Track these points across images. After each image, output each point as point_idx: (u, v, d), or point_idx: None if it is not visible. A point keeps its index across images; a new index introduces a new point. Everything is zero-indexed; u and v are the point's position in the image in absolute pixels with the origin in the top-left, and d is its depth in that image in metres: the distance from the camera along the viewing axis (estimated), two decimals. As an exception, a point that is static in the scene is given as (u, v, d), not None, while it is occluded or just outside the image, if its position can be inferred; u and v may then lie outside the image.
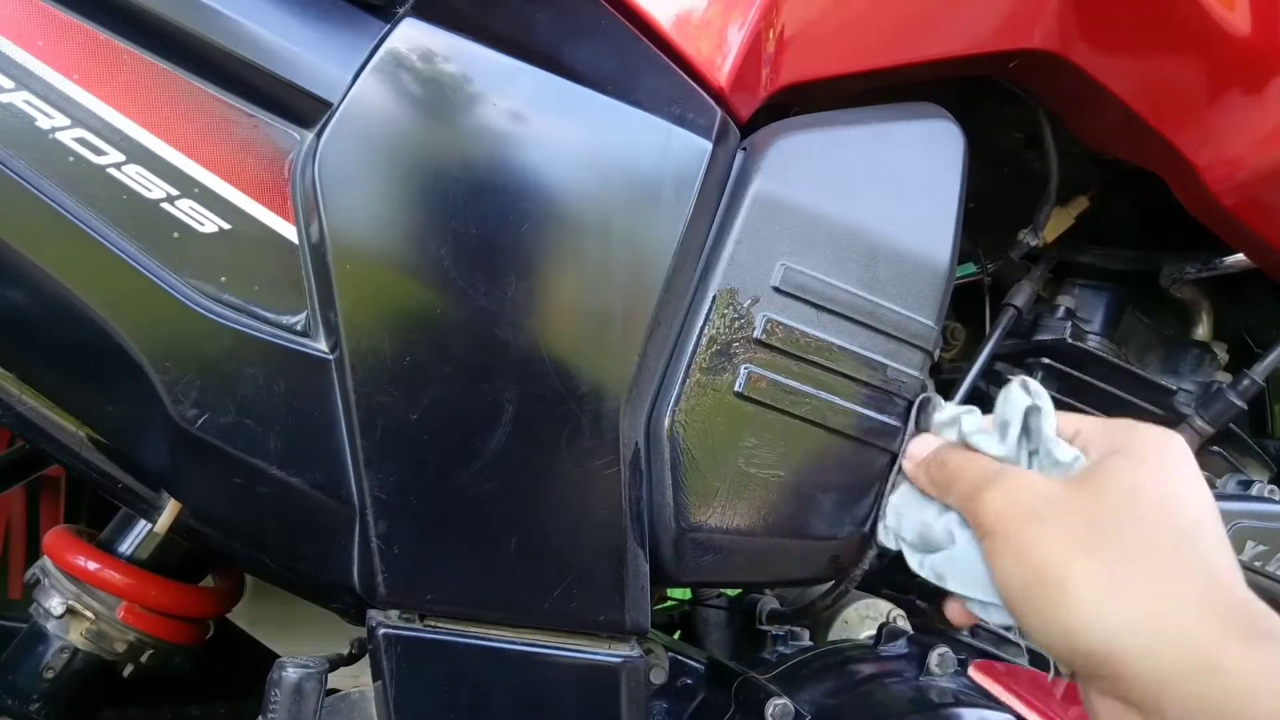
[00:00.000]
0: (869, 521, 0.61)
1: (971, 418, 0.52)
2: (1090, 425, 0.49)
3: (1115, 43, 0.64)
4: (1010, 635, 0.80)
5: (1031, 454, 0.49)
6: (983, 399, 0.80)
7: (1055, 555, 0.42)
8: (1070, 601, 0.41)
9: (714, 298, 0.53)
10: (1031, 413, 0.49)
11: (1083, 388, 0.80)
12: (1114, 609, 0.40)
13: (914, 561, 0.53)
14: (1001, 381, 0.80)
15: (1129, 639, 0.39)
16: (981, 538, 0.47)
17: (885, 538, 0.56)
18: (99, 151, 0.46)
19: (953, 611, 0.52)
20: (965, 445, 0.51)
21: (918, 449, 0.55)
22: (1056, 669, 0.46)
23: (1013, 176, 0.80)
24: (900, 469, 0.56)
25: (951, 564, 0.50)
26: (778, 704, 0.61)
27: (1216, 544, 0.42)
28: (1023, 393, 0.49)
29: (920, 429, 0.56)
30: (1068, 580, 0.41)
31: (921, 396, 0.56)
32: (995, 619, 0.48)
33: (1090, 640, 0.40)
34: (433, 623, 0.51)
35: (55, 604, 0.67)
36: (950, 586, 0.50)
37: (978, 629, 0.82)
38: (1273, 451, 0.93)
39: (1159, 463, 0.44)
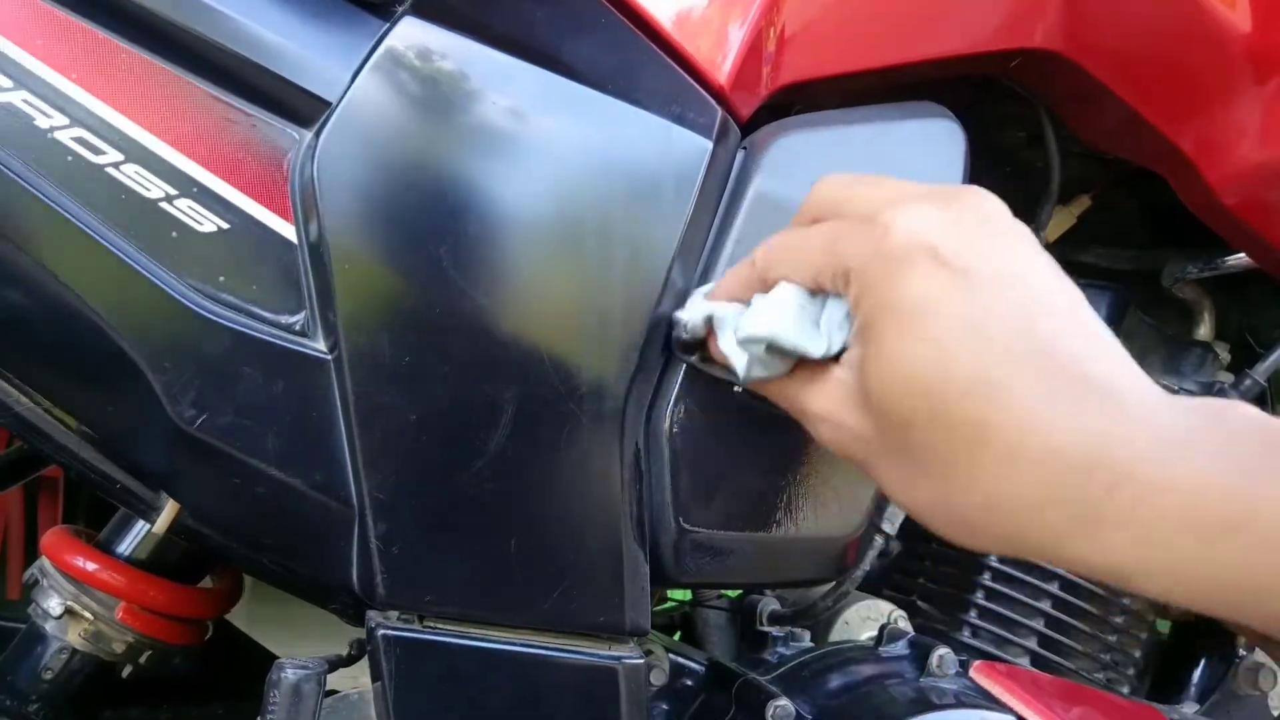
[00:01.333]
0: (869, 522, 0.61)
1: (733, 352, 0.45)
2: (825, 264, 0.41)
3: (1117, 42, 0.64)
4: (1008, 630, 0.80)
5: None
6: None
7: (903, 498, 0.39)
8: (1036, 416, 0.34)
9: (714, 297, 0.53)
10: (776, 341, 0.42)
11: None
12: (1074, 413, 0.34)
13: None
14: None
15: (1001, 367, 0.35)
16: (876, 319, 0.38)
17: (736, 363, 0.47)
18: (97, 151, 0.46)
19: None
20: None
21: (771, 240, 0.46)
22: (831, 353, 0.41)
23: (1014, 176, 0.80)
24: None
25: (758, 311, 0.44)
26: (778, 705, 0.60)
27: (1049, 368, 0.35)
28: (755, 315, 0.43)
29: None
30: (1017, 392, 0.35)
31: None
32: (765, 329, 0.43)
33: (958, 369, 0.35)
34: (432, 624, 0.51)
35: (53, 604, 0.67)
36: (747, 330, 0.44)
37: (979, 629, 0.82)
38: (1274, 452, 0.92)
39: (913, 311, 0.37)
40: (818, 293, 0.42)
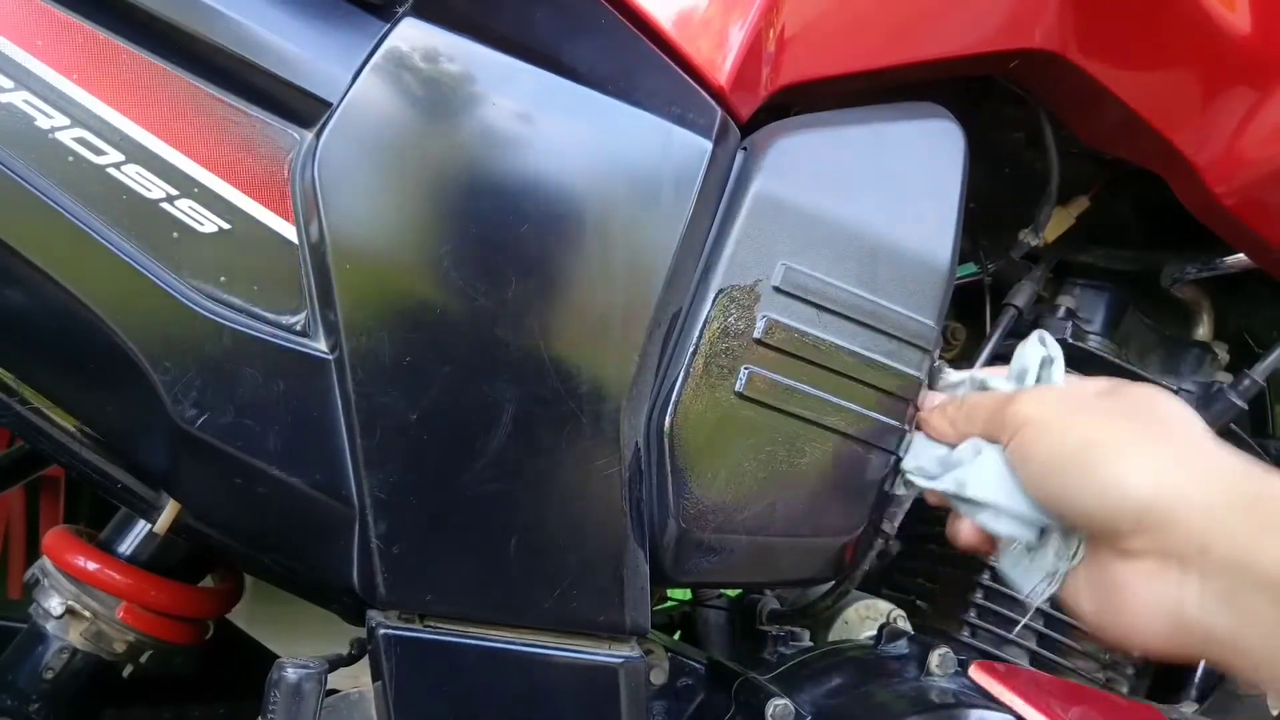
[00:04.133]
0: (869, 522, 0.61)
1: (982, 374, 0.56)
2: (1091, 380, 0.54)
3: (1116, 43, 0.64)
4: (1008, 630, 0.80)
5: None
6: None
7: (1098, 428, 0.47)
8: (1119, 464, 0.45)
9: (714, 298, 0.53)
10: (1046, 363, 0.53)
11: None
12: (1161, 469, 0.44)
13: (928, 484, 0.55)
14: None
15: (1179, 490, 0.43)
16: (1011, 441, 0.50)
17: (900, 484, 0.58)
18: (98, 151, 0.46)
19: (963, 532, 0.54)
20: (981, 388, 0.55)
21: (929, 399, 0.58)
22: (1055, 579, 0.50)
23: (1013, 176, 0.80)
24: (914, 423, 0.58)
25: (971, 476, 0.52)
26: (778, 704, 0.60)
27: (1213, 437, 0.47)
28: (1039, 345, 0.53)
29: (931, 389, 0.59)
30: (1112, 444, 0.45)
31: (935, 364, 0.59)
32: (1006, 529, 0.51)
33: (1145, 495, 0.43)
34: (433, 623, 0.51)
35: (55, 604, 0.67)
36: (970, 492, 0.51)
37: (978, 629, 0.82)
38: (1273, 452, 0.93)
39: (1155, 392, 0.50)
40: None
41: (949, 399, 0.56)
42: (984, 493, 0.51)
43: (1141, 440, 0.45)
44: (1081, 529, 0.48)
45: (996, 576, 0.81)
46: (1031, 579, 0.51)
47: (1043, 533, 0.51)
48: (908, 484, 0.58)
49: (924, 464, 0.56)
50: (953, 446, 0.55)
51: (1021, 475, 0.49)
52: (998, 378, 0.55)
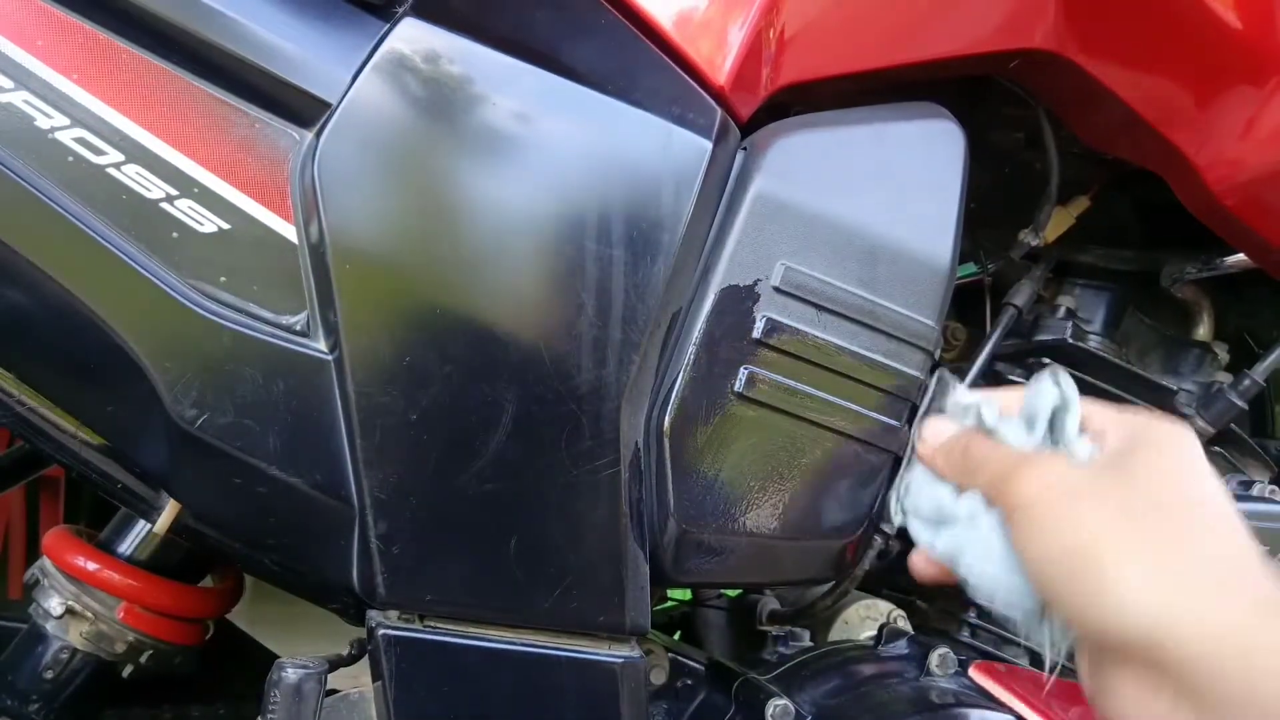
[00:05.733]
0: (869, 522, 0.61)
1: (991, 408, 0.51)
2: (1103, 415, 0.49)
3: (1116, 42, 0.64)
4: (1008, 630, 0.80)
5: (1054, 444, 0.49)
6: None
7: (1096, 532, 0.42)
8: (1114, 577, 0.40)
9: (714, 297, 0.53)
10: (1059, 411, 0.49)
11: (1084, 388, 0.79)
12: (1160, 588, 0.40)
13: (924, 538, 0.52)
14: (1002, 382, 0.80)
15: (1175, 618, 0.39)
16: (1009, 517, 0.46)
17: (895, 514, 0.54)
18: (98, 151, 0.46)
19: (918, 564, 0.51)
20: (986, 433, 0.50)
21: (933, 432, 0.53)
22: (1054, 667, 0.46)
23: (1013, 176, 0.80)
24: (913, 449, 0.54)
25: (969, 545, 0.49)
26: (778, 704, 0.60)
27: (1240, 531, 0.42)
28: (1053, 387, 0.49)
29: (934, 408, 0.54)
30: (1110, 556, 0.41)
31: (938, 374, 0.55)
32: (1002, 606, 0.48)
33: (1136, 617, 0.40)
34: (432, 623, 0.51)
35: (55, 604, 0.67)
36: (962, 570, 0.49)
37: (978, 629, 0.82)
38: (1273, 452, 0.93)
39: (1177, 454, 0.44)
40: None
41: (953, 439, 0.52)
42: (981, 568, 0.48)
43: (1150, 547, 0.41)
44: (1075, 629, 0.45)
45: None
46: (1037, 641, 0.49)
47: (1044, 608, 0.48)
48: (902, 525, 0.54)
49: (921, 505, 0.53)
50: (953, 487, 0.52)
51: (1019, 559, 0.46)
52: (1009, 420, 0.50)
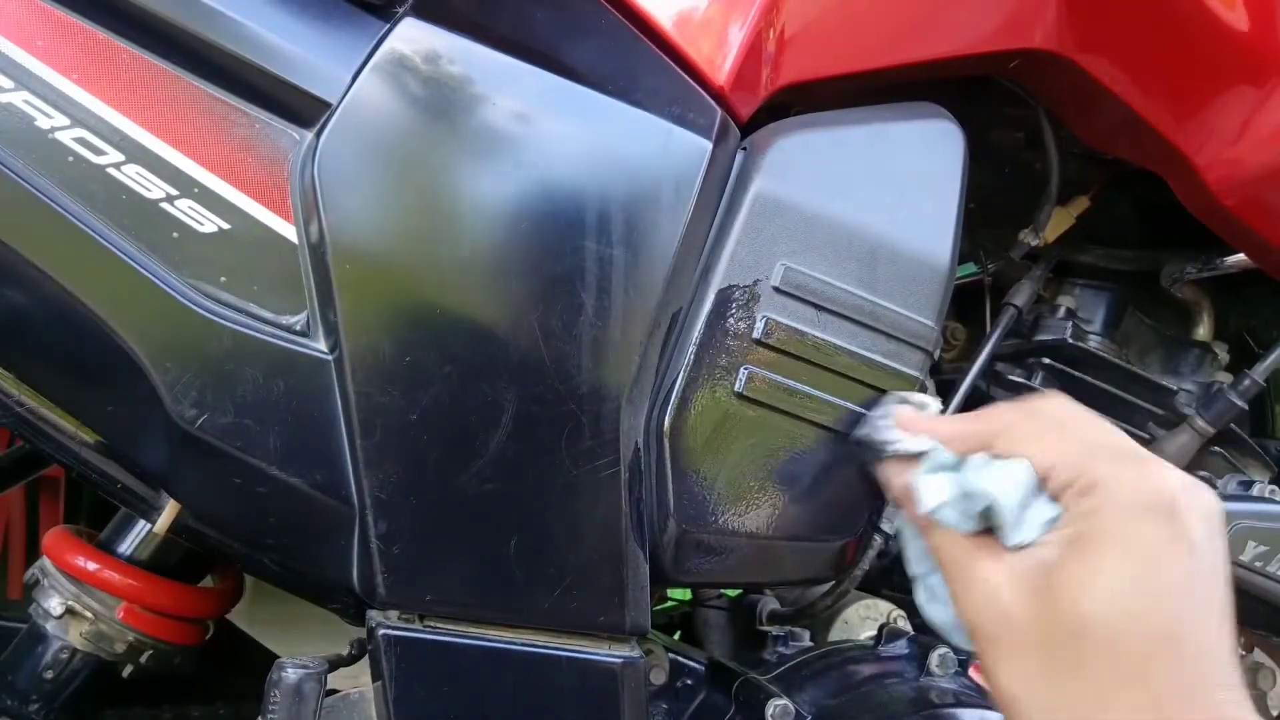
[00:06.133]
0: (868, 521, 0.61)
1: (932, 486, 0.48)
2: (1067, 465, 0.44)
3: (1116, 42, 0.64)
4: None
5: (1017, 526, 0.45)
6: (981, 400, 0.80)
7: (1013, 688, 0.42)
8: None
9: (714, 298, 0.53)
10: (992, 507, 0.45)
11: (1083, 388, 0.80)
12: None
13: (910, 568, 0.52)
14: (1002, 382, 0.80)
15: (1185, 632, 0.40)
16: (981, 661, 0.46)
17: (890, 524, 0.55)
18: (98, 151, 0.46)
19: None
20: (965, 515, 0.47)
21: (894, 480, 0.51)
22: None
23: (1013, 176, 0.80)
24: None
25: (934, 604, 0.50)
26: (778, 704, 0.60)
27: (1202, 655, 0.40)
28: (1023, 480, 0.45)
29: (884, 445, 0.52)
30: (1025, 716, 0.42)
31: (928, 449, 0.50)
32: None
33: None
34: (432, 623, 0.51)
35: (55, 604, 0.67)
36: (927, 615, 0.50)
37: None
38: (1273, 452, 0.93)
39: (1140, 550, 0.41)
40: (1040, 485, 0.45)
41: (915, 518, 0.49)
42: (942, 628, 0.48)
43: (1056, 708, 0.40)
44: None
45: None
46: None
47: None
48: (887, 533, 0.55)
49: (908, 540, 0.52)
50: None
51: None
52: (945, 509, 0.47)
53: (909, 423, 0.52)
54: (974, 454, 0.48)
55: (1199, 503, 0.42)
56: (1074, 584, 0.41)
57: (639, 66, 0.51)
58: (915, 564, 0.52)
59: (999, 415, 0.49)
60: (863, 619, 0.79)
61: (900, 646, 0.69)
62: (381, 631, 0.51)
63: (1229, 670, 0.40)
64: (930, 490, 0.48)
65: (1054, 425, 0.47)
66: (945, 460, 0.49)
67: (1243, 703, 0.40)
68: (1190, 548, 0.41)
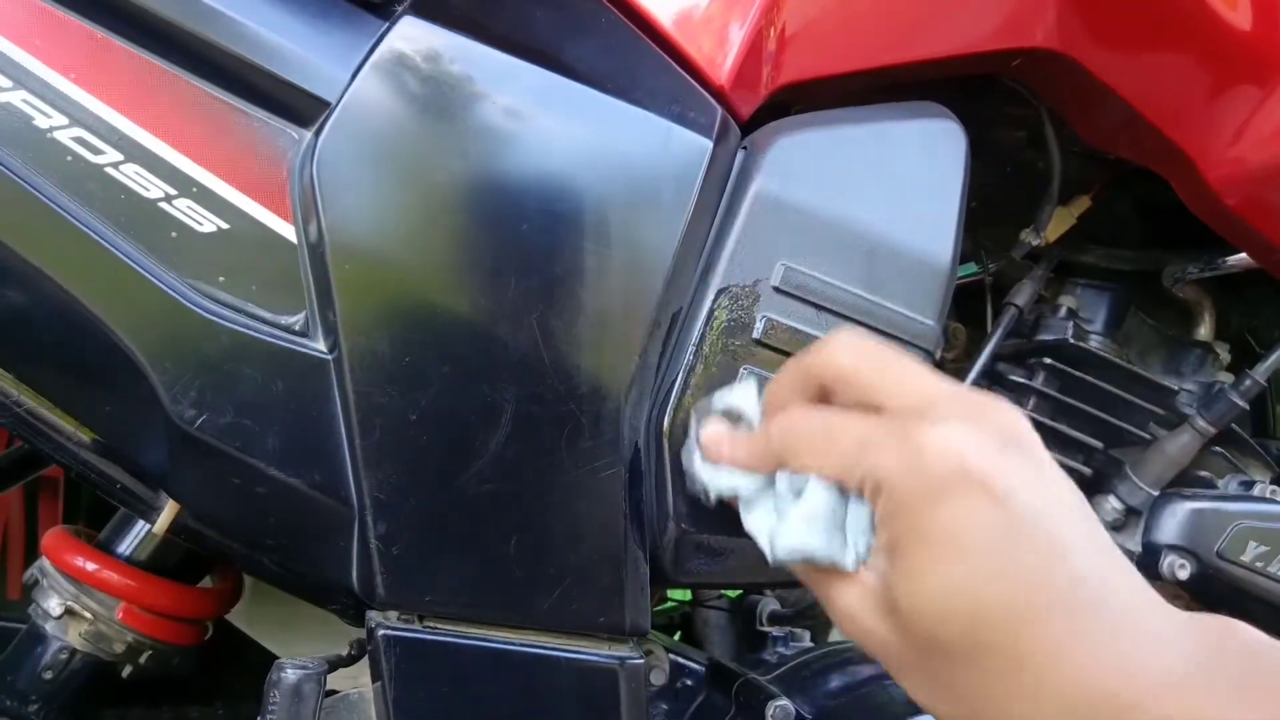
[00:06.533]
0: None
1: (762, 536, 0.45)
2: (847, 472, 0.40)
3: (1118, 41, 0.64)
4: None
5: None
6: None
7: (922, 703, 0.40)
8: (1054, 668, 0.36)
9: (714, 297, 0.53)
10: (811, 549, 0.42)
11: (1084, 388, 0.80)
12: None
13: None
14: (1003, 382, 0.80)
15: (1034, 601, 0.36)
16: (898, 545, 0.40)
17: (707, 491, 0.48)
18: (97, 151, 0.46)
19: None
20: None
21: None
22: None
23: (1015, 176, 0.80)
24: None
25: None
26: (778, 705, 0.60)
27: (1074, 594, 0.36)
28: (791, 512, 0.42)
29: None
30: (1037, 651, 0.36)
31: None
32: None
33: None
34: (432, 624, 0.51)
35: (54, 605, 0.67)
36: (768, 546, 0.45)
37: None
38: (1274, 452, 0.92)
39: (946, 537, 0.37)
40: (843, 492, 0.42)
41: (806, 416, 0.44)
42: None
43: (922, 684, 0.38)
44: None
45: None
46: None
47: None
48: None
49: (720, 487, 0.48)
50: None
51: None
52: (752, 517, 0.45)
53: (713, 454, 0.48)
54: (777, 476, 0.45)
55: (980, 446, 0.37)
56: (906, 598, 0.38)
57: (639, 65, 0.51)
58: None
59: (776, 426, 0.45)
60: (863, 619, 0.79)
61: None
62: (381, 632, 0.51)
63: (1114, 585, 0.36)
64: (763, 541, 0.45)
65: (820, 428, 0.43)
66: (755, 493, 0.46)
67: (1140, 597, 0.36)
68: (995, 499, 0.36)
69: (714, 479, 0.47)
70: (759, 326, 0.53)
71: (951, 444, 0.37)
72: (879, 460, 0.39)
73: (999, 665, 0.36)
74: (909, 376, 0.42)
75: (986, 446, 0.37)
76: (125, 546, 0.70)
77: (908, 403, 0.40)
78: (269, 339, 0.47)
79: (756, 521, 0.45)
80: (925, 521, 0.37)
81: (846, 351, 0.43)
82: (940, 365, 0.87)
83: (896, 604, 0.38)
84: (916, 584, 0.37)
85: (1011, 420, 0.39)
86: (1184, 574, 0.77)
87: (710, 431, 0.48)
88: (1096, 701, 0.35)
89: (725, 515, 0.54)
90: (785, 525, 0.43)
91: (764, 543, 0.45)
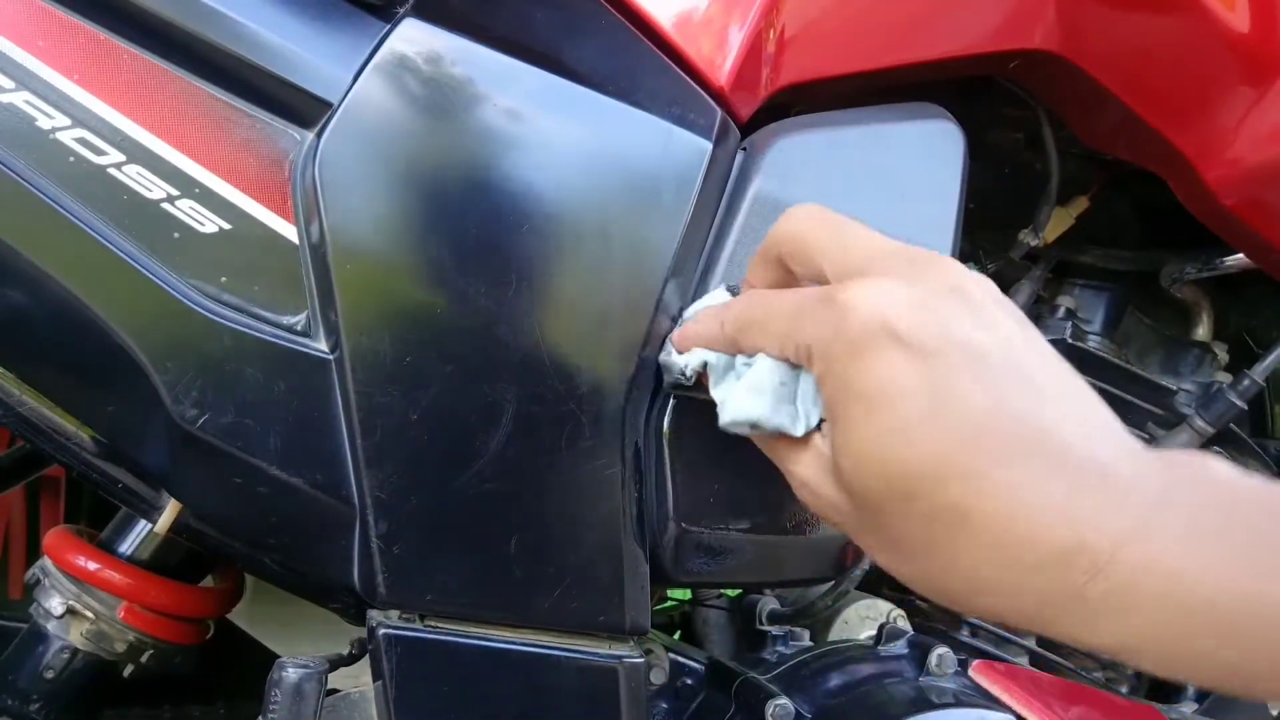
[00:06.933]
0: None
1: (724, 402, 0.45)
2: (788, 343, 0.40)
3: (1116, 42, 0.64)
4: (1008, 630, 0.80)
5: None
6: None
7: (887, 567, 0.40)
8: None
9: (714, 298, 0.53)
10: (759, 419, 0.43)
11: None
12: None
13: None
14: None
15: (972, 451, 0.34)
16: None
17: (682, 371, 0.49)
18: (99, 151, 0.46)
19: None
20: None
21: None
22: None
23: (1013, 177, 0.80)
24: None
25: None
26: (778, 704, 0.61)
27: (1023, 446, 0.34)
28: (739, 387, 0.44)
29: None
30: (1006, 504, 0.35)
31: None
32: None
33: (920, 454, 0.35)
34: (433, 623, 0.51)
35: (55, 604, 0.67)
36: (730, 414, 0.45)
37: (978, 629, 0.82)
38: (1273, 452, 0.93)
39: (871, 391, 0.35)
40: (795, 365, 0.42)
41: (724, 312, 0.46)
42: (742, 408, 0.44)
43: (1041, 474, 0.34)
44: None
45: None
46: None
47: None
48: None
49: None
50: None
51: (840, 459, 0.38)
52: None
53: (679, 342, 0.49)
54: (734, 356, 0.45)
55: (907, 299, 0.36)
56: (841, 459, 0.37)
57: (639, 67, 0.51)
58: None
59: (728, 309, 0.45)
60: (862, 619, 0.79)
61: (899, 646, 0.69)
62: (382, 631, 0.51)
63: (1073, 432, 0.34)
64: (722, 406, 0.45)
65: (761, 303, 0.43)
66: (722, 367, 0.46)
67: (1106, 442, 0.34)
68: (917, 350, 0.35)
69: (688, 359, 0.48)
70: (758, 327, 0.53)
71: (872, 300, 0.36)
72: (808, 327, 0.38)
73: (941, 519, 0.35)
74: (856, 239, 0.41)
75: (914, 299, 0.36)
76: (127, 546, 0.70)
77: (851, 265, 0.39)
78: (270, 339, 0.48)
79: (719, 392, 0.46)
80: (852, 383, 0.36)
81: (801, 220, 0.43)
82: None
83: (840, 472, 0.38)
84: (848, 442, 0.37)
85: (951, 271, 0.38)
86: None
87: (680, 329, 0.49)
88: (1046, 555, 0.33)
89: (725, 515, 0.54)
90: (732, 394, 0.44)
91: (720, 397, 0.46)
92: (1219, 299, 0.90)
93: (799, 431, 0.42)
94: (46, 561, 0.68)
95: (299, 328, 0.48)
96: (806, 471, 0.41)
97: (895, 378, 0.35)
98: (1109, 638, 0.34)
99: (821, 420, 0.42)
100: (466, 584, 0.51)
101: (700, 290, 0.53)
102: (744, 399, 0.43)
